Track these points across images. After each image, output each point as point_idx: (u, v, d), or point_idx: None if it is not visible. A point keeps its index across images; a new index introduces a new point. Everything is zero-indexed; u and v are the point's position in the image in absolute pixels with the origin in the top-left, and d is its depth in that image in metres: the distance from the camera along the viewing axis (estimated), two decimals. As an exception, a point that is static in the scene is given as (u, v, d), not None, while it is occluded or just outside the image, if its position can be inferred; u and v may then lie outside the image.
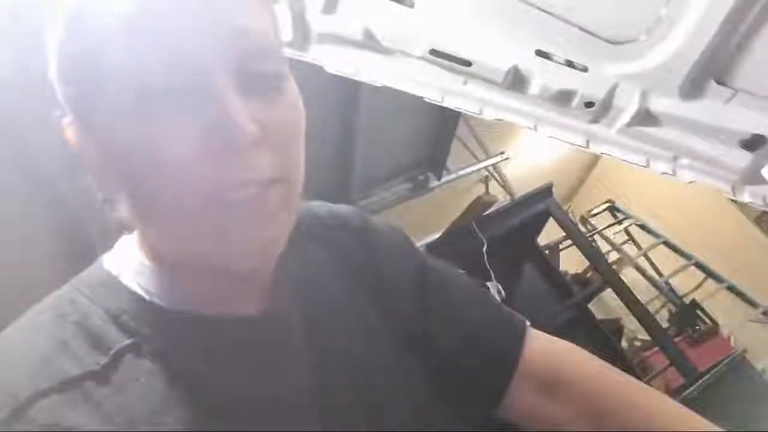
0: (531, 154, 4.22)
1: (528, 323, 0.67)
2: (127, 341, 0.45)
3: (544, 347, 0.66)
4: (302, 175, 0.47)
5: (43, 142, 1.24)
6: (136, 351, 0.45)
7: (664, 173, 1.01)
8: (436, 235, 2.82)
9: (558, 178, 3.40)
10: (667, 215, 4.23)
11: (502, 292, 2.23)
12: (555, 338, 0.68)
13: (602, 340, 2.72)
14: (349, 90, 2.26)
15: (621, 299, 2.80)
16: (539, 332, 0.68)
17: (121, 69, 0.38)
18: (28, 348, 0.44)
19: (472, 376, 0.64)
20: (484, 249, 2.37)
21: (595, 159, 5.03)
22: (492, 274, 2.29)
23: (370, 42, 0.99)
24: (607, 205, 4.26)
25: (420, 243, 2.81)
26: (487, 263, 2.34)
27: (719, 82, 0.91)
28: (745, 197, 0.99)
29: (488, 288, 2.20)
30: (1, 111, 1.24)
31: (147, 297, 0.48)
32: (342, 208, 0.68)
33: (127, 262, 0.50)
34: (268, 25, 0.44)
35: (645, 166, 1.02)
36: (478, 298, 0.69)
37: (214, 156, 0.39)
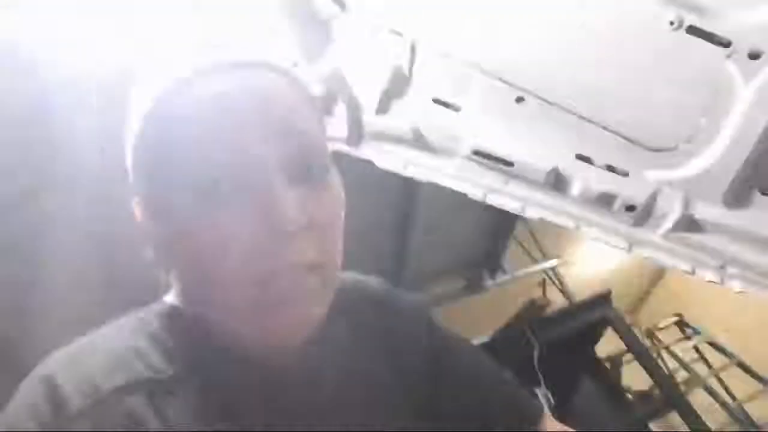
0: (593, 260, 4.13)
1: (545, 410, 0.66)
2: (193, 364, 0.51)
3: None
4: (340, 260, 0.52)
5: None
6: (198, 375, 0.50)
7: (710, 281, 0.99)
8: (488, 336, 2.75)
9: (622, 288, 3.30)
10: (742, 334, 3.95)
11: (551, 399, 2.12)
12: (569, 428, 0.67)
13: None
14: (409, 183, 2.35)
15: (687, 424, 2.59)
16: (554, 421, 0.66)
17: (189, 161, 0.46)
18: (105, 349, 0.50)
19: None
20: (535, 353, 2.29)
21: (662, 270, 4.83)
22: (541, 379, 2.19)
23: (418, 141, 1.07)
24: (676, 319, 4.04)
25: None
26: (537, 367, 2.25)
27: (764, 193, 0.91)
28: (800, 311, 0.95)
29: (536, 394, 2.10)
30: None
31: (206, 335, 0.53)
32: (368, 279, 0.71)
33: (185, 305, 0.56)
34: (317, 124, 0.52)
35: (691, 273, 1.01)
36: (495, 380, 0.70)
37: (264, 240, 0.45)
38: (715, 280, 1.00)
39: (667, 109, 0.91)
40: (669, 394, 2.62)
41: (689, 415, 2.49)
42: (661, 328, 4.01)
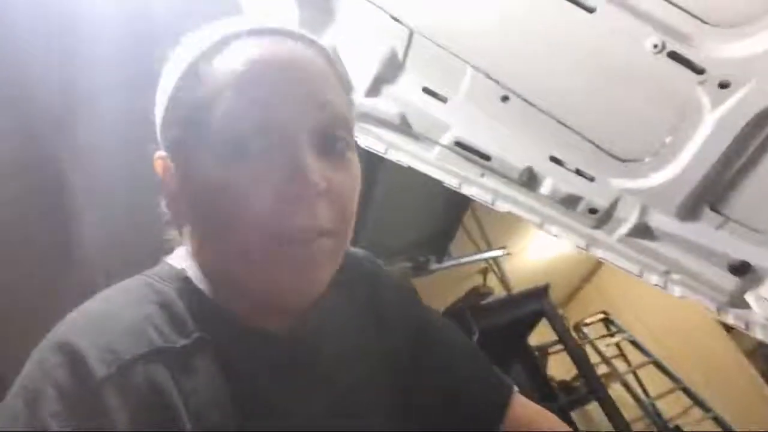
0: (533, 254, 4.30)
1: (516, 389, 0.72)
2: (202, 333, 0.51)
3: (528, 412, 0.71)
4: (351, 232, 0.55)
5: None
6: (209, 344, 0.51)
7: (656, 285, 1.08)
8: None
9: (556, 282, 3.46)
10: (661, 335, 4.23)
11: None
12: (542, 408, 0.73)
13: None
14: (369, 165, 2.37)
15: (606, 415, 2.78)
16: (525, 398, 0.72)
17: (224, 121, 0.48)
18: (120, 317, 0.49)
19: (456, 429, 0.68)
20: (474, 338, 2.39)
21: (595, 268, 5.09)
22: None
23: (403, 126, 1.10)
24: (602, 316, 4.28)
25: (413, 323, 2.81)
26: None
27: (713, 209, 1.00)
28: (729, 319, 1.05)
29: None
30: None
31: (214, 300, 0.54)
32: (358, 253, 0.74)
33: (190, 268, 0.57)
34: (345, 102, 0.55)
35: (639, 276, 1.10)
36: (471, 357, 0.74)
37: (285, 202, 0.47)
38: (659, 284, 1.09)
39: (638, 124, 0.99)
40: (591, 387, 2.80)
41: (608, 406, 2.68)
42: (588, 324, 4.25)
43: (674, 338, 4.12)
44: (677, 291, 1.08)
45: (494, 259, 3.73)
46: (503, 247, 3.63)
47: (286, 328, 0.57)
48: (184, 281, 0.55)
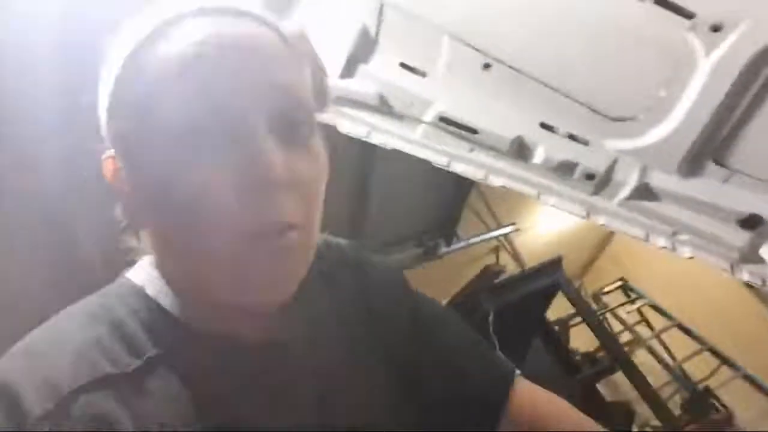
0: (543, 227, 4.24)
1: (518, 372, 0.68)
2: (158, 351, 0.48)
3: (532, 396, 0.67)
4: (319, 224, 0.51)
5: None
6: (166, 362, 0.48)
7: (663, 247, 1.03)
8: (443, 302, 2.81)
9: (570, 254, 3.40)
10: (681, 298, 4.17)
11: (506, 362, 2.19)
12: (547, 391, 0.69)
13: (609, 421, 2.64)
14: (365, 152, 2.34)
15: (631, 383, 2.73)
16: (529, 382, 0.68)
17: (170, 109, 0.43)
18: (63, 344, 0.46)
19: (457, 419, 0.64)
20: (490, 319, 2.35)
21: (609, 236, 5.02)
22: (496, 344, 2.26)
23: (383, 106, 1.05)
24: (620, 283, 4.22)
25: (427, 308, 2.79)
26: (492, 333, 2.32)
27: (717, 162, 0.94)
28: (744, 276, 1.00)
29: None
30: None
31: (177, 315, 0.51)
32: (340, 242, 0.70)
33: (150, 281, 0.54)
34: (304, 82, 0.50)
35: (645, 240, 1.04)
36: (468, 343, 0.70)
37: (244, 194, 0.43)
38: (666, 246, 1.04)
39: (629, 79, 0.93)
40: (615, 356, 2.75)
41: (633, 374, 2.63)
42: (607, 292, 4.19)
43: (695, 299, 4.05)
44: (686, 252, 1.03)
45: (505, 236, 3.67)
46: (512, 224, 3.57)
47: (260, 331, 0.53)
48: (140, 297, 0.52)
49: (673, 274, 4.17)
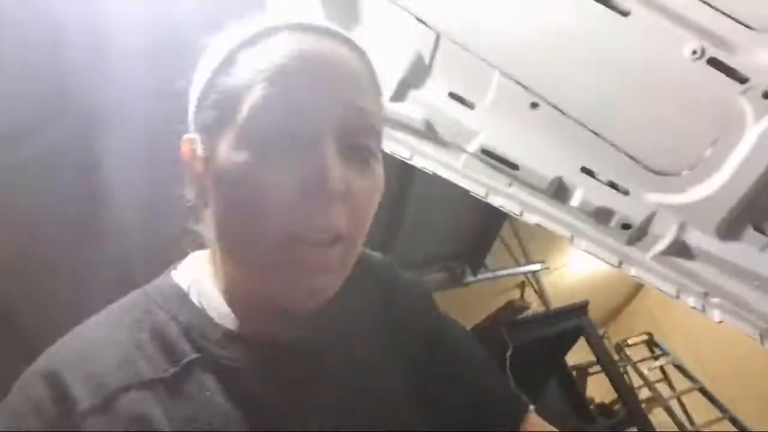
0: (573, 269, 4.18)
1: (532, 407, 0.68)
2: (196, 355, 0.51)
3: (542, 429, 0.67)
4: (363, 240, 0.54)
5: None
6: (203, 365, 0.51)
7: (693, 308, 1.01)
8: (463, 331, 2.79)
9: (598, 300, 3.35)
10: (708, 361, 4.04)
11: (519, 400, 2.16)
12: (556, 429, 0.69)
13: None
14: (404, 172, 2.36)
15: (645, 440, 2.66)
16: (540, 419, 0.68)
17: (254, 112, 0.47)
18: (110, 346, 0.50)
19: None
20: (508, 354, 2.33)
21: (639, 287, 4.91)
22: (511, 380, 2.23)
23: (428, 132, 1.07)
24: (646, 337, 4.12)
25: (446, 335, 2.78)
26: (508, 368, 2.29)
27: (756, 229, 0.93)
28: (774, 347, 0.98)
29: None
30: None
31: (214, 317, 0.54)
32: (372, 256, 0.72)
33: (195, 281, 0.57)
34: (377, 110, 0.54)
35: (675, 297, 1.03)
36: (486, 370, 0.71)
37: (303, 198, 0.47)
38: (696, 307, 1.02)
39: (676, 135, 0.93)
40: (632, 411, 2.68)
41: None
42: (631, 345, 4.09)
43: (722, 364, 3.93)
44: (716, 315, 1.01)
45: (533, 273, 3.64)
46: (542, 262, 3.54)
47: (292, 332, 0.56)
48: (181, 300, 0.55)
49: (703, 335, 4.05)
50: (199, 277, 0.58)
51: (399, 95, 1.05)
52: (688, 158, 0.93)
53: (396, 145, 1.10)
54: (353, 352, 0.61)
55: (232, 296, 0.56)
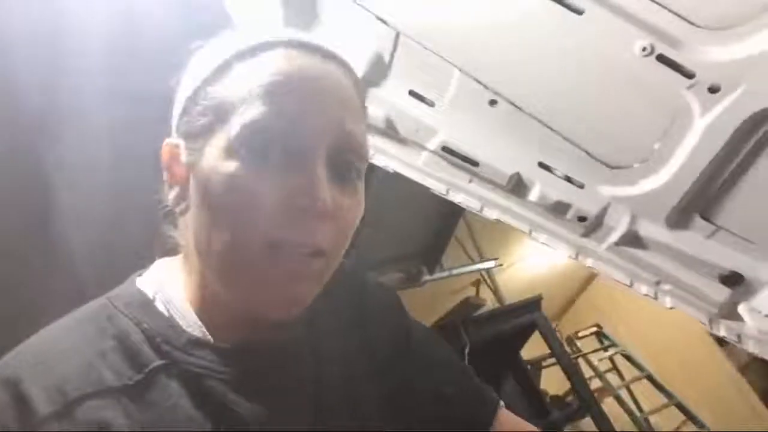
0: (526, 266, 4.28)
1: (501, 402, 0.69)
2: (160, 362, 0.50)
3: (514, 424, 0.69)
4: (341, 256, 0.54)
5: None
6: (167, 372, 0.50)
7: (646, 295, 1.06)
8: (421, 330, 2.81)
9: (550, 294, 3.43)
10: (654, 350, 4.21)
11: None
12: (527, 423, 0.71)
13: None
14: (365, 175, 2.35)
15: (598, 429, 2.75)
16: (513, 416, 0.70)
17: (248, 126, 0.47)
18: (73, 353, 0.49)
19: None
20: (466, 350, 2.36)
21: (589, 280, 5.07)
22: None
23: (389, 130, 1.08)
24: (595, 329, 4.26)
25: (404, 335, 2.79)
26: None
27: (704, 218, 0.98)
28: (721, 331, 1.03)
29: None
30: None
31: (181, 324, 0.54)
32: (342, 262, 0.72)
33: (161, 288, 0.56)
34: (364, 132, 0.55)
35: (629, 286, 1.07)
36: (457, 369, 0.72)
37: (291, 214, 0.47)
38: (649, 294, 1.07)
39: (628, 129, 0.97)
40: (585, 401, 2.76)
41: (602, 421, 2.64)
42: (581, 337, 4.23)
43: (667, 353, 4.11)
44: (668, 302, 1.06)
45: (487, 270, 3.70)
46: (495, 259, 3.60)
47: (263, 341, 0.56)
48: (146, 307, 0.54)
49: (649, 325, 4.23)
50: (165, 284, 0.57)
51: (359, 93, 1.05)
52: (639, 152, 0.97)
53: (356, 143, 1.09)
54: (324, 357, 0.61)
55: (203, 303, 0.55)
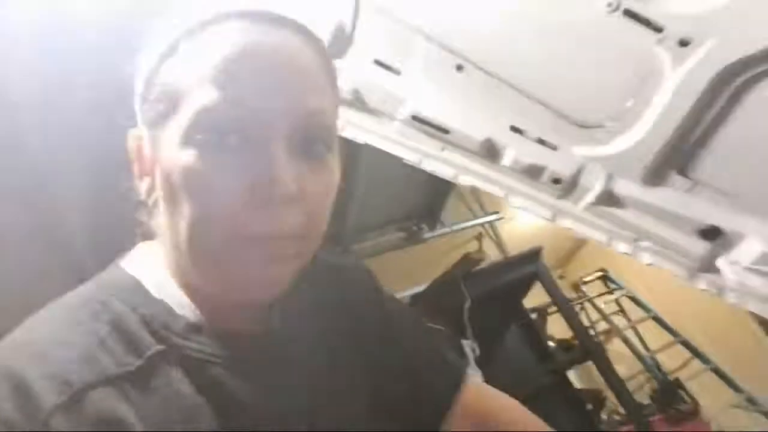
0: (528, 216, 4.26)
1: (468, 373, 0.71)
2: (160, 347, 0.50)
3: (482, 395, 0.71)
4: (321, 234, 0.53)
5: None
6: (167, 357, 0.50)
7: (624, 253, 1.05)
8: (423, 287, 2.84)
9: (554, 243, 3.43)
10: (660, 291, 4.23)
11: (477, 350, 2.23)
12: (500, 392, 0.72)
13: (578, 408, 2.70)
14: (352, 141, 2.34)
15: (599, 372, 2.80)
16: (483, 383, 0.71)
17: (200, 111, 0.45)
18: (69, 342, 0.47)
19: (408, 416, 0.67)
20: (466, 306, 2.39)
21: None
22: (469, 331, 2.29)
23: (357, 102, 1.06)
24: (600, 274, 4.28)
25: (406, 293, 2.83)
26: (466, 320, 2.35)
27: (680, 173, 0.96)
28: (701, 284, 1.03)
29: (462, 345, 2.20)
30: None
31: (174, 308, 0.53)
32: None
33: (149, 271, 0.55)
34: (332, 103, 0.52)
35: (607, 244, 1.07)
36: (424, 344, 0.74)
37: (252, 205, 0.45)
38: (627, 252, 1.06)
39: (597, 87, 0.94)
40: (586, 345, 2.80)
41: (603, 364, 2.68)
42: (586, 282, 4.25)
43: (672, 293, 4.12)
44: (646, 258, 1.05)
45: (490, 225, 3.70)
46: (496, 212, 3.60)
47: (251, 323, 0.56)
48: (138, 291, 0.53)
49: (652, 269, 4.22)
50: (153, 268, 0.55)
51: (323, 66, 1.02)
52: (611, 110, 0.95)
53: (326, 116, 1.08)
54: (312, 340, 0.62)
55: (190, 289, 0.54)
